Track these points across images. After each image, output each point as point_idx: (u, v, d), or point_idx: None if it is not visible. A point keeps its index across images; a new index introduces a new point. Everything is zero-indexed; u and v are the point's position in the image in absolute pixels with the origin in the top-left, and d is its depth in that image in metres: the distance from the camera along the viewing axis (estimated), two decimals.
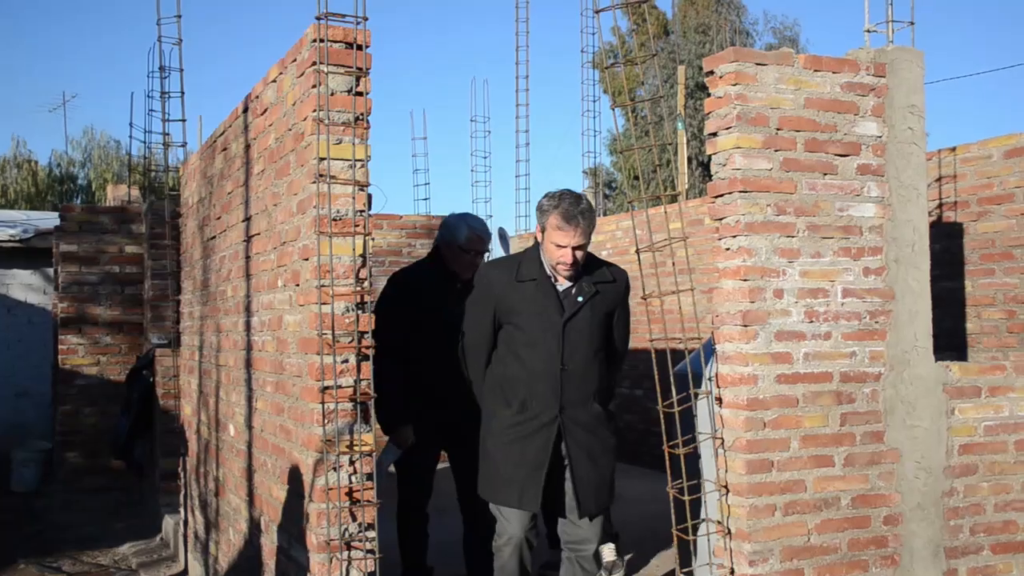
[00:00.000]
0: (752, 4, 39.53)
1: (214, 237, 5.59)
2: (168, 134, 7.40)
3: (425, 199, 17.75)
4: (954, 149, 6.17)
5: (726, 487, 3.94)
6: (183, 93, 7.04)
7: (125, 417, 7.99)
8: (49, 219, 13.02)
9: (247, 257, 4.76)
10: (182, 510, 6.72)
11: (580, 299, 4.18)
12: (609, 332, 4.33)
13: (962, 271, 6.12)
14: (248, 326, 4.74)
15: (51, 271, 10.81)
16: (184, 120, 7.07)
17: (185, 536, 6.57)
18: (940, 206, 6.17)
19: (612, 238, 10.06)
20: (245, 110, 4.75)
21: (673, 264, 4.07)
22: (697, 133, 26.48)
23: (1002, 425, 4.30)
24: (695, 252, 7.24)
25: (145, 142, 8.73)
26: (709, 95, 4.05)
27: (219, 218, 5.43)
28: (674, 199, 7.58)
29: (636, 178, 23.78)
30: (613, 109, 4.45)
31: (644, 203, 4.51)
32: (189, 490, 6.47)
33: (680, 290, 4.02)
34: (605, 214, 14.73)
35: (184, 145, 7.36)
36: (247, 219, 4.74)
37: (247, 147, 4.72)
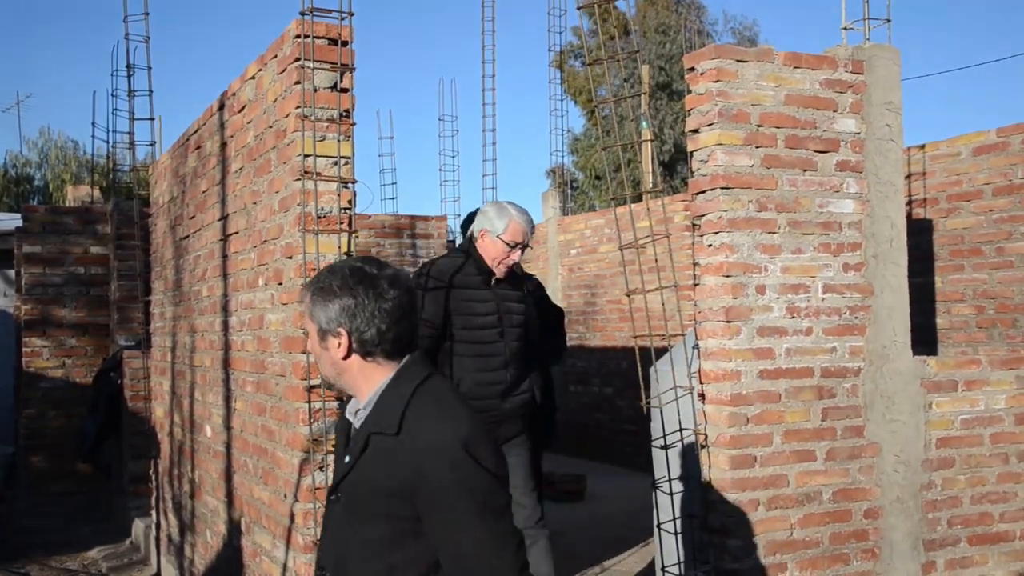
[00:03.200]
0: (712, 4, 39.85)
1: (187, 236, 5.52)
2: (133, 133, 7.29)
3: (392, 199, 17.68)
4: (923, 146, 6.24)
5: (709, 482, 3.96)
6: (151, 92, 6.93)
7: (92, 420, 7.87)
8: (10, 220, 12.79)
9: (224, 256, 4.70)
10: (154, 513, 6.62)
11: None
12: None
13: (932, 267, 6.20)
14: (226, 326, 4.69)
15: (12, 273, 10.62)
16: (152, 119, 6.95)
17: (157, 539, 6.48)
18: (910, 203, 6.24)
19: (581, 237, 10.03)
20: (221, 107, 4.69)
21: (656, 261, 4.08)
22: (658, 133, 26.60)
23: (978, 418, 4.37)
24: (666, 249, 7.26)
25: (108, 141, 8.60)
26: (673, 93, 4.08)
27: (193, 217, 5.36)
28: (639, 197, 7.61)
29: (599, 178, 23.83)
30: (596, 107, 4.45)
31: (629, 200, 4.53)
32: (162, 492, 6.38)
33: (663, 287, 4.04)
34: (572, 213, 14.75)
35: (153, 144, 7.26)
36: (223, 218, 4.68)
37: (223, 145, 4.66)
